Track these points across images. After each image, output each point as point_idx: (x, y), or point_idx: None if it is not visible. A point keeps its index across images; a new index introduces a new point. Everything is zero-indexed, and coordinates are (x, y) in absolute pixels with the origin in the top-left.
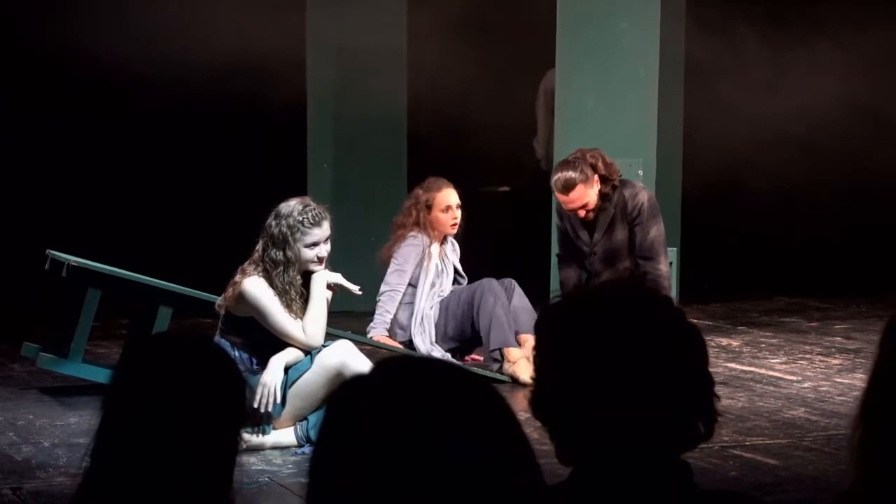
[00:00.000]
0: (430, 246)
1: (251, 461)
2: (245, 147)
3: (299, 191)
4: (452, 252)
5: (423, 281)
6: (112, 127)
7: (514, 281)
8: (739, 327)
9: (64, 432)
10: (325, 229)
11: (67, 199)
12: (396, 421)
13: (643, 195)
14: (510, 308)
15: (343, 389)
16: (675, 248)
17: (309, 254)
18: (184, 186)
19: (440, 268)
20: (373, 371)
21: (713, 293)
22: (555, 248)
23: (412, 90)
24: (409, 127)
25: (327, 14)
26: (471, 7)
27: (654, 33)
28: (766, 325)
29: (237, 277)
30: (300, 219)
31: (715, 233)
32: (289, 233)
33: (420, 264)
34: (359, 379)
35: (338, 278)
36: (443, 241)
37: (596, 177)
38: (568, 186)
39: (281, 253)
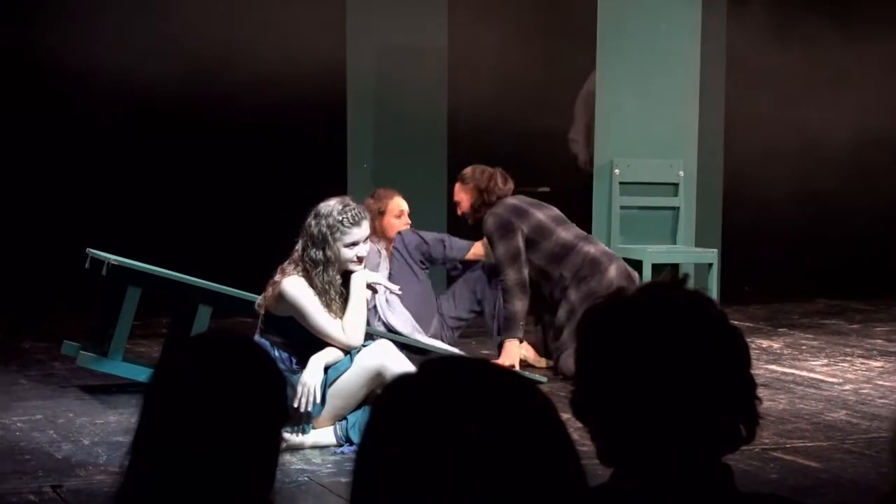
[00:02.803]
0: (384, 249)
1: (291, 460)
2: (285, 147)
3: (339, 190)
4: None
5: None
6: (152, 127)
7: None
8: (780, 329)
9: (104, 430)
10: (364, 229)
11: (108, 199)
12: (441, 422)
13: (488, 221)
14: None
15: (388, 390)
16: (715, 250)
17: (348, 253)
18: (224, 186)
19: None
20: (418, 372)
21: (754, 295)
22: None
23: (452, 90)
24: (448, 126)
25: (368, 13)
26: (512, 7)
27: (695, 33)
28: (807, 326)
29: (277, 277)
30: (340, 218)
31: (755, 234)
32: (328, 232)
33: (376, 271)
34: (404, 379)
35: (377, 278)
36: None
37: (473, 185)
38: (457, 180)
39: (321, 252)
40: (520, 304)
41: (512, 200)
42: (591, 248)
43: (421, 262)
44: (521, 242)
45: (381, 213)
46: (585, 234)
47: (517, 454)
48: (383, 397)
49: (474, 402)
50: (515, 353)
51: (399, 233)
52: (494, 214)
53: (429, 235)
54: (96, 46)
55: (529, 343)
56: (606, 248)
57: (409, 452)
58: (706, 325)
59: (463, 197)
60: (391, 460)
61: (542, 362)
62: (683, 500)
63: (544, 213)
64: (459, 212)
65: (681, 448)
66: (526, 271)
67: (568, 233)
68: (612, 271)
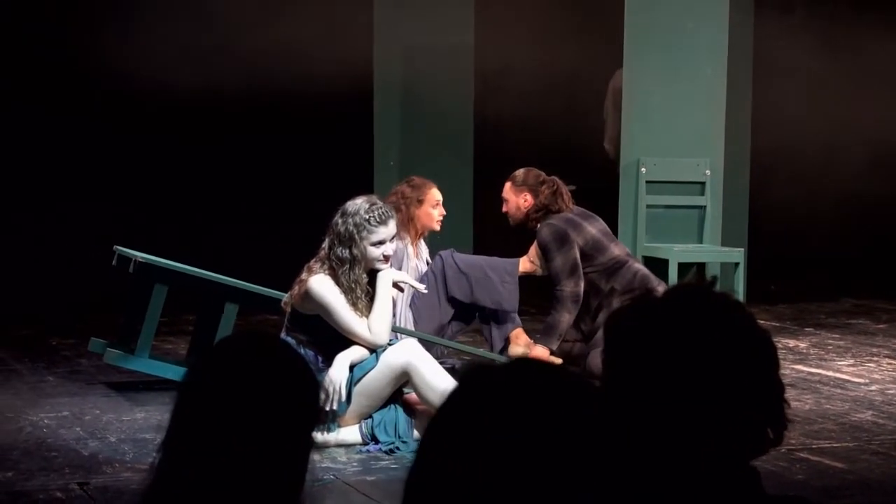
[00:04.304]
0: (411, 244)
1: (316, 459)
2: (312, 145)
3: (366, 189)
4: (425, 250)
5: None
6: (179, 126)
7: (451, 251)
8: (806, 329)
9: (130, 427)
10: (391, 228)
11: (134, 197)
12: (507, 431)
13: (543, 231)
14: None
15: (455, 395)
16: (741, 249)
17: (375, 252)
18: (251, 184)
19: (420, 269)
20: (497, 376)
21: (780, 294)
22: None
23: (479, 89)
24: (475, 125)
25: (395, 12)
26: (539, 4)
27: (722, 32)
28: (834, 326)
29: (303, 275)
30: (366, 217)
31: (782, 233)
32: (355, 231)
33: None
34: (475, 384)
35: (404, 276)
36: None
37: (527, 193)
38: (507, 179)
39: (347, 251)
40: (567, 317)
41: (565, 212)
42: (641, 266)
43: (451, 300)
44: (577, 255)
45: (420, 203)
46: (629, 251)
47: (583, 459)
48: (450, 402)
49: (544, 406)
50: (544, 357)
51: (440, 254)
52: (550, 225)
53: (472, 269)
54: (121, 48)
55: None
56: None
57: (474, 459)
58: (734, 328)
59: (512, 198)
60: (453, 467)
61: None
62: (710, 503)
63: (596, 228)
64: (504, 209)
65: (708, 451)
66: (582, 284)
67: (619, 249)
68: (661, 289)
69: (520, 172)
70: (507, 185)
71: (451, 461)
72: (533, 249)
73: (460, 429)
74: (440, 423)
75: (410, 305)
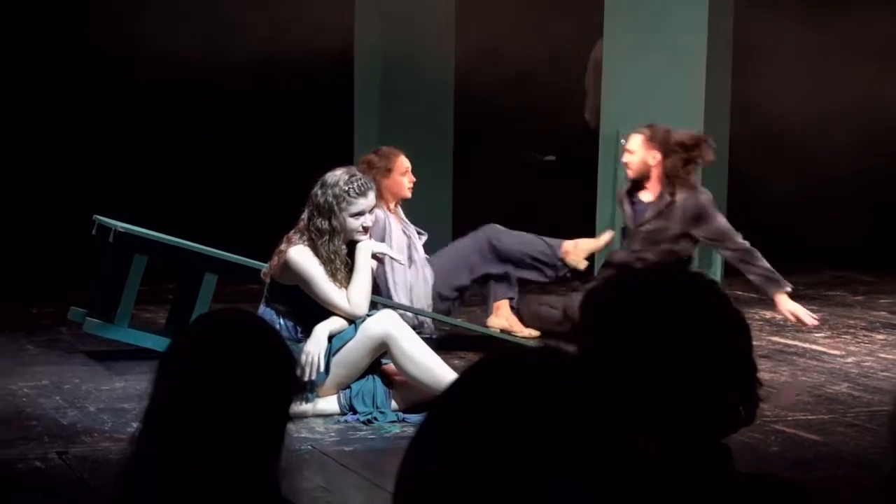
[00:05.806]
0: (391, 214)
1: (293, 429)
2: (292, 117)
3: (346, 161)
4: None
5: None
6: (160, 95)
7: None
8: None
9: (109, 397)
10: (370, 199)
11: (115, 167)
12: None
13: (702, 196)
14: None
15: (457, 387)
16: None
17: (354, 223)
18: (232, 155)
19: (408, 234)
20: (483, 369)
21: None
22: (601, 222)
23: (460, 60)
24: (456, 97)
25: None
26: None
27: (702, 4)
28: (812, 298)
29: (283, 246)
30: (346, 188)
31: (761, 204)
32: (334, 202)
33: (382, 241)
34: (474, 373)
35: (383, 248)
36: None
37: (656, 151)
38: (636, 131)
39: (326, 222)
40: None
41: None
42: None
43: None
44: None
45: (389, 171)
46: None
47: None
48: (448, 394)
49: (542, 397)
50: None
51: (492, 232)
52: (705, 193)
53: (514, 246)
54: (92, 20)
55: (517, 314)
56: None
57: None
58: (708, 308)
59: (640, 151)
60: (455, 450)
61: (527, 332)
62: (682, 480)
63: None
64: (625, 160)
65: (680, 429)
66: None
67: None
68: None
69: (652, 129)
70: (634, 137)
71: (454, 443)
72: (580, 241)
73: (468, 409)
74: (449, 401)
75: (433, 259)
